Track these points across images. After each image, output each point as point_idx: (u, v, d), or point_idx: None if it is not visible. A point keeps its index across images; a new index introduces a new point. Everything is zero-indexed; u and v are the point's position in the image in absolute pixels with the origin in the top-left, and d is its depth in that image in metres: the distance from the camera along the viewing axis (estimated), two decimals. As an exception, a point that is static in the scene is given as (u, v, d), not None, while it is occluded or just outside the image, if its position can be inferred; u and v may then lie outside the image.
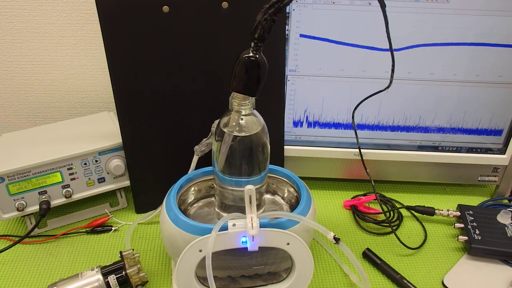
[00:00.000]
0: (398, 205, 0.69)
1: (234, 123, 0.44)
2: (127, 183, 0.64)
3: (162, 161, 0.63)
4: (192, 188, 0.56)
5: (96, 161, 0.60)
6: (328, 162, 0.70)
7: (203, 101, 0.60)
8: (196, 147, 0.56)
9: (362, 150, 0.64)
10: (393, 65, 0.44)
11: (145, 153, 0.62)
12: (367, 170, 0.64)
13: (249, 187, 0.44)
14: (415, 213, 0.67)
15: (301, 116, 0.65)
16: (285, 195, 0.57)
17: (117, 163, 0.61)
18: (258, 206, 0.52)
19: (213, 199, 0.57)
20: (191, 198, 0.56)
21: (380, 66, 0.60)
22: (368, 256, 0.59)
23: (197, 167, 0.57)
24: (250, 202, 0.45)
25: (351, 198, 0.70)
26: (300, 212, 0.49)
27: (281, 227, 0.47)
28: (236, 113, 0.43)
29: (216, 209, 0.53)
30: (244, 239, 0.46)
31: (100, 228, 0.62)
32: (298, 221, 0.48)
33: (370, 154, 0.67)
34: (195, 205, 0.57)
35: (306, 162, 0.70)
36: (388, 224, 0.64)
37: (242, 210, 0.48)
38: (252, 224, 0.45)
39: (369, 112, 0.64)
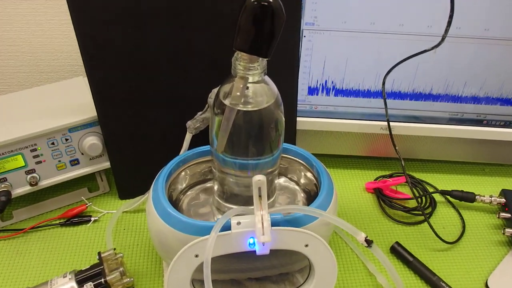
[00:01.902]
0: (430, 189, 0.61)
1: (238, 93, 0.35)
2: (107, 164, 0.56)
3: (147, 138, 0.54)
4: (185, 172, 0.48)
5: (67, 139, 0.51)
6: (349, 137, 0.62)
7: (198, 62, 0.50)
8: (189, 123, 0.47)
9: (391, 123, 0.56)
10: (451, 15, 0.34)
11: (126, 129, 0.53)
12: (396, 148, 0.56)
13: (259, 177, 0.36)
14: (451, 199, 0.59)
15: (318, 81, 0.56)
16: (300, 179, 0.50)
17: (92, 141, 0.52)
18: (268, 195, 0.44)
19: (210, 183, 0.49)
20: (183, 184, 0.48)
21: (421, 18, 0.50)
22: (398, 252, 0.51)
23: (191, 146, 0.49)
24: (260, 196, 0.37)
25: (375, 180, 0.62)
26: (320, 205, 0.42)
27: (297, 224, 0.40)
28: (241, 80, 0.34)
29: (216, 198, 0.45)
30: (251, 241, 0.39)
31: (77, 219, 0.55)
32: (317, 216, 0.40)
33: (400, 128, 0.59)
34: (189, 193, 0.49)
35: (322, 137, 0.62)
36: (420, 212, 0.57)
37: (248, 200, 0.41)
38: (262, 223, 0.37)
39: (403, 78, 0.55)
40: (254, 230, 0.38)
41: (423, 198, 0.59)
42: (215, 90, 0.45)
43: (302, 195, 0.49)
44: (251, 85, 0.35)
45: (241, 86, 0.34)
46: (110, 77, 0.49)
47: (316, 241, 0.39)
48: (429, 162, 0.67)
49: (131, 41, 0.48)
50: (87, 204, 0.56)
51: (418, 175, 0.64)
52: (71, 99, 0.55)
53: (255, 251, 0.39)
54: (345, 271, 0.50)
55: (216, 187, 0.44)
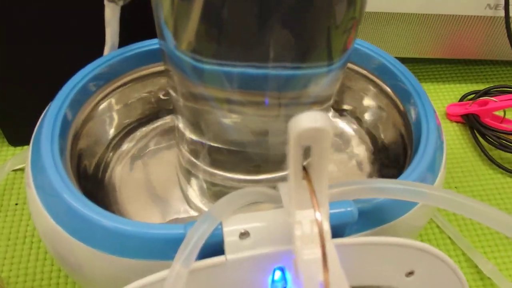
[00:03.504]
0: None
1: None
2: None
3: (39, 37, 0.30)
4: (112, 102, 0.24)
5: None
6: (419, 25, 0.40)
7: None
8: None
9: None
10: None
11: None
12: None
13: (310, 119, 0.13)
14: None
15: None
16: (364, 113, 0.27)
17: None
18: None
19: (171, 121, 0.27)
20: (111, 129, 0.25)
21: None
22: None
23: (123, 40, 0.24)
24: (305, 170, 0.15)
25: (461, 101, 0.41)
26: (423, 172, 0.21)
27: (378, 221, 0.20)
28: None
29: (187, 154, 0.24)
30: (278, 275, 0.19)
31: None
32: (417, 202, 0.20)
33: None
34: (125, 148, 0.25)
35: (372, 25, 0.39)
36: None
37: (266, 167, 0.22)
38: (324, 249, 0.15)
39: None
40: (285, 250, 0.16)
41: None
42: None
43: (367, 147, 0.26)
44: None
45: None
46: None
47: (434, 262, 0.18)
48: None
49: None
50: None
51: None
52: None
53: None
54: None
55: (183, 132, 0.22)
